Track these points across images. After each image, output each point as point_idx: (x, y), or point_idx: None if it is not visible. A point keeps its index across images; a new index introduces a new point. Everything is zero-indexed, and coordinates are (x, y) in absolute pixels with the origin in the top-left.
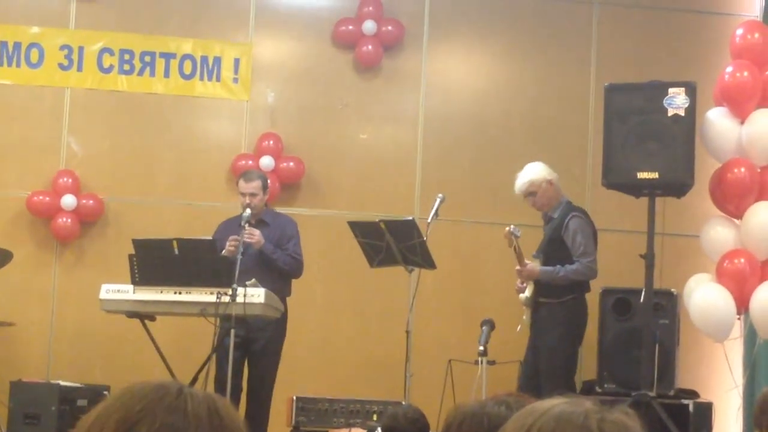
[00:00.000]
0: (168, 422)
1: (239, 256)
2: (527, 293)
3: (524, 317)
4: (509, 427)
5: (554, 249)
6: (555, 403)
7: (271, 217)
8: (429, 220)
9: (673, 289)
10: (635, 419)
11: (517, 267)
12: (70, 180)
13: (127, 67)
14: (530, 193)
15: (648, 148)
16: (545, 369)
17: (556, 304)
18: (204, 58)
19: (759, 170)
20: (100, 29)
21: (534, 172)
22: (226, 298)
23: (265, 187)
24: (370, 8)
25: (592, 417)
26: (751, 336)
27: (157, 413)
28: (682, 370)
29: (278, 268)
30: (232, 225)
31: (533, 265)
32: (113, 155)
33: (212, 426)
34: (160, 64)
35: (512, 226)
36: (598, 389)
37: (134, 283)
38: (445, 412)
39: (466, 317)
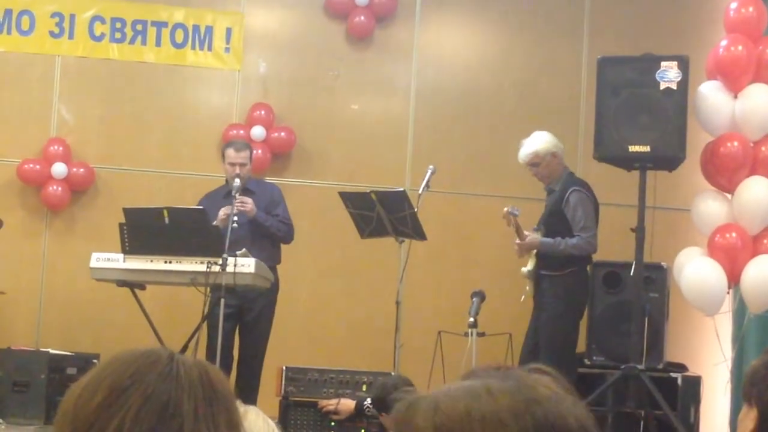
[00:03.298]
0: (160, 388)
1: (234, 225)
2: (529, 266)
3: (527, 288)
4: (461, 408)
5: (555, 222)
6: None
7: (255, 185)
8: (420, 192)
9: (663, 263)
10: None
11: (517, 241)
12: (60, 148)
13: (118, 35)
14: (533, 164)
15: (640, 122)
16: (544, 341)
17: (557, 277)
18: (196, 28)
19: (752, 145)
20: None
21: (539, 143)
22: (216, 268)
23: (251, 157)
24: None
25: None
26: (740, 310)
27: (148, 379)
28: (671, 344)
29: (271, 235)
30: (215, 197)
31: (534, 236)
32: (104, 124)
33: (204, 391)
34: (151, 32)
35: (511, 207)
36: (586, 362)
37: (124, 251)
38: (435, 384)
39: (456, 289)
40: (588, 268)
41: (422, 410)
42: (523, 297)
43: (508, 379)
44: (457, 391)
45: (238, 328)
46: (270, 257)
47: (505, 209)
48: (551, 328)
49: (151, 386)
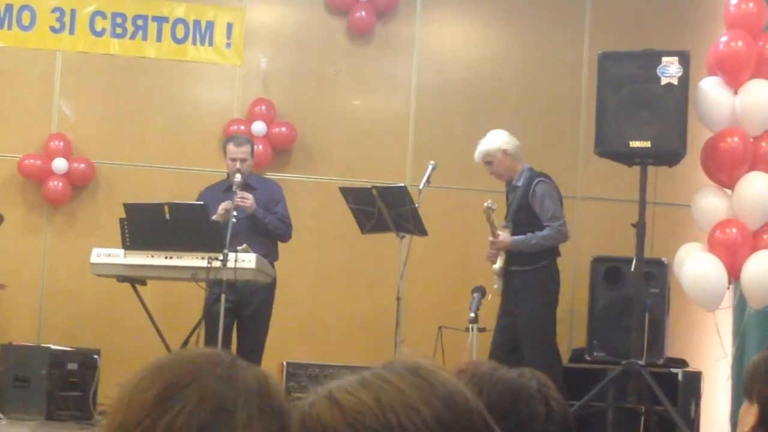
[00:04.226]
0: (217, 390)
1: (233, 220)
2: (499, 263)
3: (495, 286)
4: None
5: (523, 216)
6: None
7: (256, 181)
8: (421, 187)
9: (663, 258)
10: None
11: (490, 238)
12: (61, 143)
13: (119, 30)
14: (487, 162)
15: (641, 117)
16: (526, 336)
17: (530, 272)
18: (197, 23)
19: (752, 140)
20: None
21: (490, 141)
22: (217, 263)
23: (253, 152)
24: None
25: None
26: (741, 305)
27: (206, 380)
28: (671, 339)
29: (269, 232)
30: (215, 191)
31: (505, 235)
32: (105, 119)
33: (261, 400)
34: (152, 27)
35: (490, 201)
36: (587, 357)
37: (125, 247)
38: None
39: (457, 284)
40: (557, 260)
41: (326, 411)
42: (489, 296)
43: (391, 370)
44: (351, 386)
45: (236, 323)
46: (268, 254)
47: (485, 204)
48: (530, 322)
49: (207, 387)
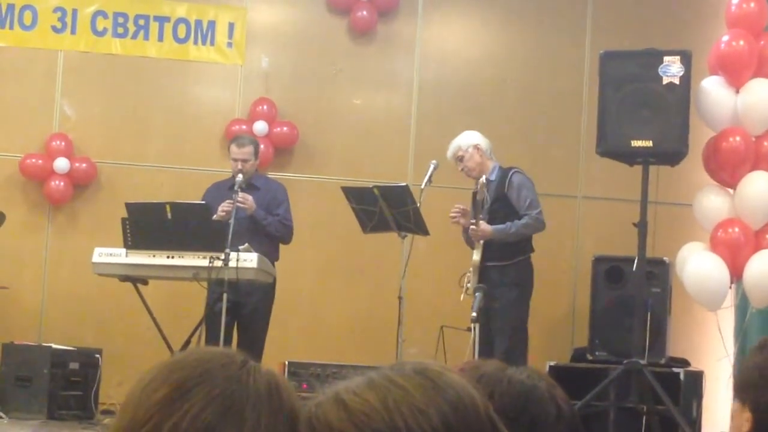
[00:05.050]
0: (227, 391)
1: (231, 221)
2: (475, 256)
3: (468, 284)
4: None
5: (499, 208)
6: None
7: (261, 181)
8: (422, 187)
9: (665, 258)
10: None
11: (472, 227)
12: (63, 143)
13: (120, 30)
14: (458, 158)
15: (642, 116)
16: (500, 329)
17: (507, 266)
18: (198, 22)
19: (754, 139)
20: None
21: (462, 138)
22: (218, 263)
23: (256, 153)
24: None
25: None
26: (743, 305)
27: (217, 380)
28: (673, 339)
29: (269, 234)
30: (221, 188)
31: (485, 224)
32: (106, 119)
33: (270, 403)
34: (154, 27)
35: (484, 177)
36: (589, 357)
37: (127, 246)
38: None
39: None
40: (531, 256)
41: (332, 412)
42: (462, 296)
43: (398, 371)
44: (358, 387)
45: (235, 323)
46: (268, 254)
47: (481, 180)
48: (506, 312)
49: (216, 388)
